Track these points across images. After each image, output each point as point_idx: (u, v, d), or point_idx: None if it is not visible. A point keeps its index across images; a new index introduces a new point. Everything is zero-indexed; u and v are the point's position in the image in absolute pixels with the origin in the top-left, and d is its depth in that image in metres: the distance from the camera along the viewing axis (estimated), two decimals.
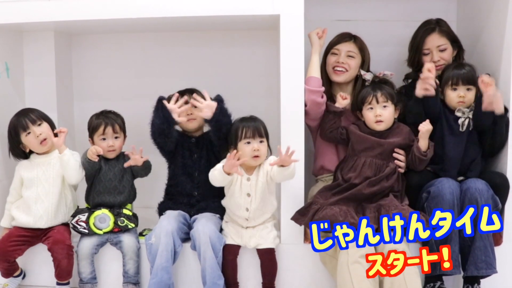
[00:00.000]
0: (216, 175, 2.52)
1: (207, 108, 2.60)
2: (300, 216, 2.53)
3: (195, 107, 2.77)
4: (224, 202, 2.68)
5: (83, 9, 2.67)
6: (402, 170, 2.62)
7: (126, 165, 2.67)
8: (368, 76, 2.72)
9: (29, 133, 2.66)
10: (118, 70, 3.28)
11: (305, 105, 2.65)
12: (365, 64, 2.83)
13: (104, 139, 2.69)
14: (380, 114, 2.61)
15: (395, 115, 2.65)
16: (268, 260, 2.61)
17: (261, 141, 2.56)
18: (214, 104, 2.60)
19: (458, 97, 2.61)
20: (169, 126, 2.66)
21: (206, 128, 2.83)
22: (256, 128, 2.55)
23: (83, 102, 3.29)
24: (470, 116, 2.60)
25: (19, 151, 2.73)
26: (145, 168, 2.72)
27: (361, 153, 2.60)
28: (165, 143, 2.71)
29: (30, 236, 2.66)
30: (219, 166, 2.51)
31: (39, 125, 2.68)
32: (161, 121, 2.64)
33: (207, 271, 2.52)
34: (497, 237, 2.63)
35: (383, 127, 2.62)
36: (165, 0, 2.64)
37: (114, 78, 3.29)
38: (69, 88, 3.28)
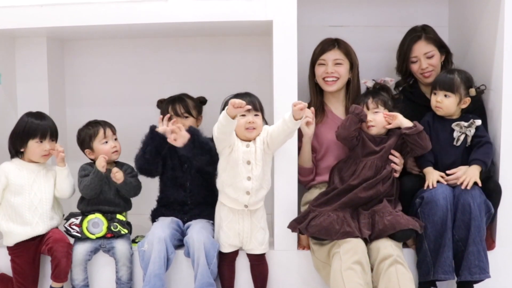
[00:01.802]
0: (221, 120, 2.37)
1: (180, 138, 2.56)
2: (297, 224, 2.53)
3: (186, 117, 2.77)
4: (221, 182, 2.55)
5: (76, 15, 2.66)
6: (396, 175, 2.63)
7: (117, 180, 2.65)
8: (369, 84, 2.74)
9: (41, 142, 2.62)
10: (110, 76, 3.27)
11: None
12: (354, 66, 2.81)
13: (106, 142, 2.68)
14: (371, 119, 2.62)
15: None
16: (259, 264, 2.62)
17: (256, 115, 2.53)
18: (186, 136, 2.54)
19: (435, 101, 2.62)
20: (157, 155, 2.68)
21: None
22: (252, 102, 2.52)
23: (76, 108, 3.28)
24: (468, 133, 2.59)
25: (17, 148, 2.65)
26: (127, 187, 2.68)
27: (363, 157, 2.60)
28: (154, 171, 2.73)
29: (32, 248, 2.61)
30: (222, 113, 2.38)
31: (52, 141, 2.65)
32: (151, 153, 2.65)
33: (197, 278, 2.51)
34: (490, 242, 2.65)
35: (375, 131, 2.63)
36: (157, 6, 2.63)
37: (107, 84, 3.28)
38: (62, 94, 3.27)
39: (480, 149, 2.59)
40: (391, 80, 2.75)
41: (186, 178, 2.76)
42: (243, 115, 2.49)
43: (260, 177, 2.51)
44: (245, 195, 2.51)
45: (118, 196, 2.70)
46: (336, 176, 2.64)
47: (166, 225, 2.62)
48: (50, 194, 2.66)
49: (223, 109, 2.55)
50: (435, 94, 2.64)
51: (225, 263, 2.61)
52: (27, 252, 2.60)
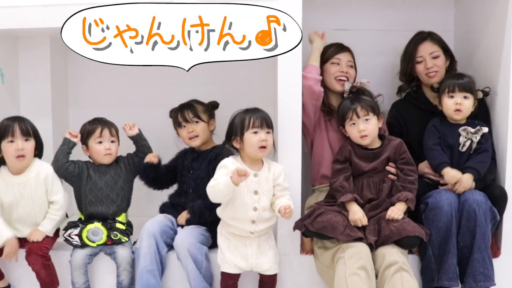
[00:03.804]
0: (222, 188, 2.33)
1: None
2: (302, 222, 2.48)
3: (196, 122, 2.74)
4: (222, 211, 2.47)
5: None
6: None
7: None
8: (346, 86, 2.71)
9: (12, 141, 2.51)
10: (113, 77, 3.24)
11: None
12: (356, 74, 2.84)
13: (100, 142, 2.64)
14: (364, 128, 2.55)
15: (379, 124, 2.60)
16: (271, 282, 2.55)
17: (268, 132, 2.44)
18: None
19: (455, 104, 2.59)
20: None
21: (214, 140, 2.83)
22: (264, 118, 2.45)
23: (78, 109, 3.27)
24: (474, 139, 2.58)
25: None
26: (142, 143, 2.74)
27: (359, 176, 2.58)
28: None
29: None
30: (222, 179, 2.34)
31: (26, 140, 2.52)
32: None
33: (192, 285, 2.50)
34: (495, 249, 2.63)
35: (369, 141, 2.57)
36: None
37: (110, 85, 3.26)
38: (64, 95, 3.26)
39: (477, 157, 2.59)
40: (368, 81, 2.69)
41: (189, 185, 2.73)
42: (255, 132, 2.42)
43: (266, 209, 2.44)
44: (250, 224, 2.43)
45: (116, 192, 2.66)
46: None
47: (157, 221, 2.60)
48: (39, 206, 2.60)
49: (230, 124, 2.51)
50: (452, 97, 2.61)
51: (228, 284, 2.51)
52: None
